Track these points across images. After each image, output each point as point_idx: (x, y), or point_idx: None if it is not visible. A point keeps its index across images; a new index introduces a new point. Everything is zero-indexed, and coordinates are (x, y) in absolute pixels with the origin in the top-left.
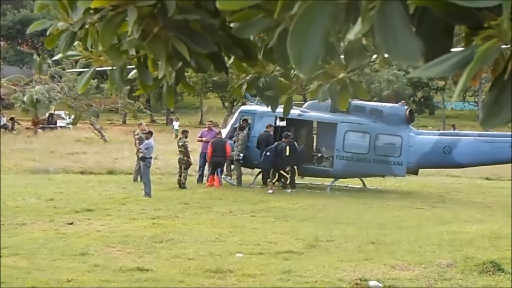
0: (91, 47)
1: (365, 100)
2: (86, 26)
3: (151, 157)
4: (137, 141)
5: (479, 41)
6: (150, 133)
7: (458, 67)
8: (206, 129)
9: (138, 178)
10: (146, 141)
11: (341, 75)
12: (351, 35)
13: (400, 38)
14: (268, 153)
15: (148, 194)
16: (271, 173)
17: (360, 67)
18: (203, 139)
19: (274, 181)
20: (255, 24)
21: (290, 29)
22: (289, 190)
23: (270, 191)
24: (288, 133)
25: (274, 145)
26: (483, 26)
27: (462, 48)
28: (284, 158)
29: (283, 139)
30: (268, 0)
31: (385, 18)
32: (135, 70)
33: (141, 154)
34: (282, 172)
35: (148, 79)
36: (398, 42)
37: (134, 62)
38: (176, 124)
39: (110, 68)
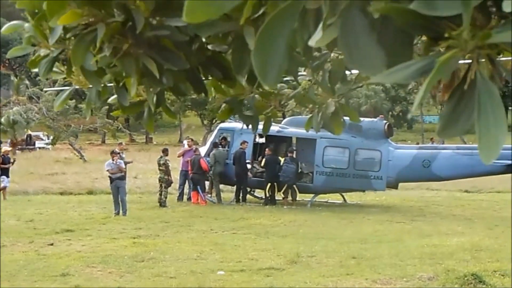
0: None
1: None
2: (66, 51)
3: (119, 177)
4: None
5: (440, 50)
6: (113, 152)
7: (418, 75)
8: (187, 147)
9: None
10: (107, 162)
11: (332, 103)
12: (312, 42)
13: (363, 48)
14: (290, 169)
15: (116, 213)
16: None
17: (349, 91)
18: (187, 159)
19: (286, 195)
20: (214, 24)
21: (255, 40)
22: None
23: (286, 207)
24: (293, 148)
25: (288, 160)
26: (444, 36)
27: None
28: (296, 173)
29: (289, 154)
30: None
31: (347, 28)
32: (115, 96)
33: (108, 175)
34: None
35: (126, 101)
36: (360, 52)
37: (114, 85)
38: (185, 143)
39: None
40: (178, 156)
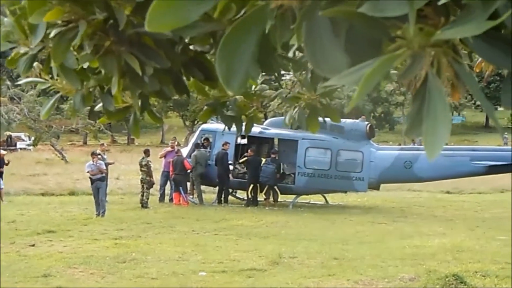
0: (57, 75)
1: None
2: (45, 49)
3: (99, 178)
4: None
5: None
6: (93, 154)
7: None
8: (169, 148)
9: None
10: (88, 163)
11: (307, 98)
12: (290, 54)
13: (327, 51)
14: (270, 170)
15: (97, 214)
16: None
17: (331, 91)
18: (169, 160)
19: (268, 196)
20: (196, 25)
21: (220, 45)
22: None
23: (268, 208)
24: (276, 149)
25: (270, 161)
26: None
27: None
28: (278, 174)
29: (272, 156)
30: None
31: (311, 29)
32: (101, 104)
33: (89, 176)
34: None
35: (111, 106)
36: (324, 55)
37: (98, 90)
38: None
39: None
40: (160, 157)
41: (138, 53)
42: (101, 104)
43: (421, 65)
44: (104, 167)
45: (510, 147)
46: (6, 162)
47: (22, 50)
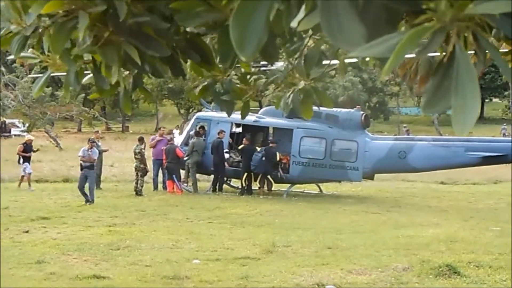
0: (48, 51)
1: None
2: (40, 30)
3: (88, 166)
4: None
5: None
6: (90, 141)
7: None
8: (159, 137)
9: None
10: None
11: (302, 83)
12: (294, 23)
13: (344, 23)
14: (258, 158)
15: (88, 201)
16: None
17: (322, 75)
18: (162, 148)
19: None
20: (199, 15)
21: (233, 12)
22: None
23: (262, 197)
24: (272, 139)
25: (264, 149)
26: (423, 9)
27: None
28: (275, 163)
29: (270, 145)
30: None
31: (327, 2)
32: (90, 75)
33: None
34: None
35: (104, 83)
36: (341, 27)
37: (90, 67)
38: (176, 133)
39: (64, 74)
40: (151, 147)
41: (138, 43)
42: (90, 76)
43: (441, 40)
44: (96, 157)
45: (504, 138)
46: (34, 149)
47: (15, 29)
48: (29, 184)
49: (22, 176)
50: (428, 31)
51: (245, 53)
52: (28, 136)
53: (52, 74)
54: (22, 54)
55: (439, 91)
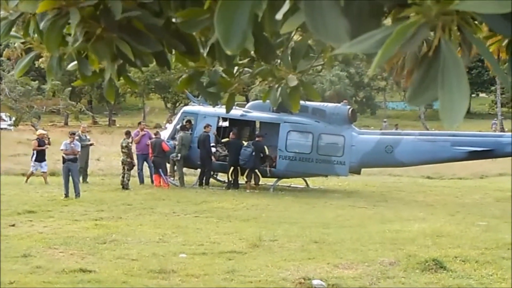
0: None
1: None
2: (28, 16)
3: (71, 159)
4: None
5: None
6: (71, 133)
7: (381, 44)
8: (142, 132)
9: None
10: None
11: (294, 77)
12: (279, 15)
13: (327, 17)
14: (246, 153)
15: (67, 196)
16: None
17: (309, 68)
18: (148, 142)
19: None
20: (202, 22)
21: (218, 5)
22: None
23: (248, 191)
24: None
25: (251, 144)
26: (408, 3)
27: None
28: (263, 157)
29: (257, 139)
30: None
31: (313, 1)
32: (75, 62)
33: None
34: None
35: (88, 70)
36: (325, 23)
37: (74, 53)
38: (170, 127)
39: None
40: (135, 143)
41: (129, 39)
42: (74, 63)
43: (426, 34)
44: (78, 149)
45: (490, 133)
46: (47, 142)
47: (2, 15)
48: (46, 181)
49: (32, 173)
50: (415, 26)
51: (230, 46)
52: (40, 131)
53: (39, 67)
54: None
55: (424, 83)
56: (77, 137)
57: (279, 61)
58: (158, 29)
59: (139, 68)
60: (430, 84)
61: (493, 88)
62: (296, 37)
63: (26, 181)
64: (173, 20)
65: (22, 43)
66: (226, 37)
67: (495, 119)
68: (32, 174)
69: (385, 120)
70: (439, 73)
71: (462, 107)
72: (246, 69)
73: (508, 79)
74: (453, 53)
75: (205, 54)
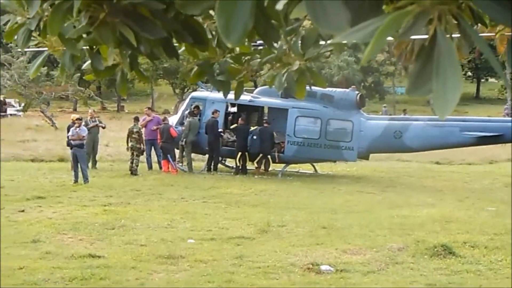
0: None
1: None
2: (44, 19)
3: (77, 145)
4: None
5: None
6: (77, 119)
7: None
8: (148, 117)
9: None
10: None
11: (297, 63)
12: (279, 6)
13: (328, 7)
14: (254, 138)
15: (76, 181)
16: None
17: (318, 55)
18: (154, 127)
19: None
20: (200, 2)
21: None
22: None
23: (257, 177)
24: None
25: (258, 130)
26: None
27: None
28: (271, 143)
29: (264, 125)
30: None
31: None
32: (89, 61)
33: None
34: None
35: (100, 65)
36: (325, 11)
37: (87, 50)
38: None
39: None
40: (142, 126)
41: (133, 24)
42: (89, 62)
43: (424, 23)
44: (84, 134)
45: (499, 118)
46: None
47: (20, 21)
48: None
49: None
50: (408, 15)
51: (230, 39)
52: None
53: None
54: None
55: (422, 75)
56: (83, 123)
57: (284, 46)
58: (163, 16)
59: (144, 54)
60: (428, 75)
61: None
62: (306, 22)
63: None
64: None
65: (35, 44)
66: (226, 30)
67: (507, 104)
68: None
69: (385, 105)
70: (434, 62)
71: (455, 96)
72: (254, 55)
73: (502, 70)
74: (448, 43)
75: (214, 44)
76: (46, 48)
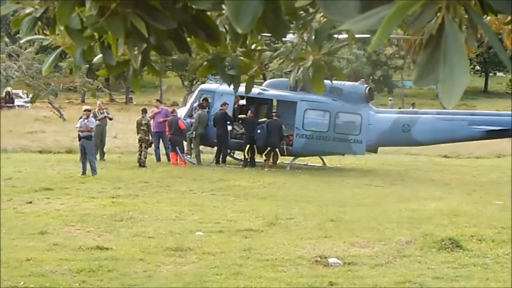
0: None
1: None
2: (50, 8)
3: (86, 136)
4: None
5: None
6: (85, 110)
7: None
8: (156, 109)
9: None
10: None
11: (311, 57)
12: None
13: None
14: (259, 131)
15: (84, 173)
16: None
17: (336, 49)
18: (161, 119)
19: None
20: None
21: None
22: (266, 169)
23: (266, 169)
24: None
25: (266, 122)
26: None
27: None
28: (279, 135)
29: (274, 117)
30: None
31: None
32: (100, 55)
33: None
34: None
35: (112, 60)
36: None
37: (98, 45)
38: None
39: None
40: (150, 118)
41: (144, 15)
42: (100, 56)
43: (432, 12)
44: (92, 125)
45: (508, 112)
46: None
47: (27, 10)
48: None
49: None
50: (416, 4)
51: (241, 26)
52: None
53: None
54: (34, 36)
55: (429, 63)
56: (92, 114)
57: (296, 40)
58: (174, 8)
59: (154, 49)
60: (436, 65)
61: None
62: (318, 17)
63: None
64: (193, 6)
65: (47, 44)
66: (237, 16)
67: None
68: None
69: (390, 98)
70: (441, 51)
71: (462, 85)
72: (264, 47)
73: (510, 63)
74: (455, 31)
75: (227, 40)
76: (43, 37)
